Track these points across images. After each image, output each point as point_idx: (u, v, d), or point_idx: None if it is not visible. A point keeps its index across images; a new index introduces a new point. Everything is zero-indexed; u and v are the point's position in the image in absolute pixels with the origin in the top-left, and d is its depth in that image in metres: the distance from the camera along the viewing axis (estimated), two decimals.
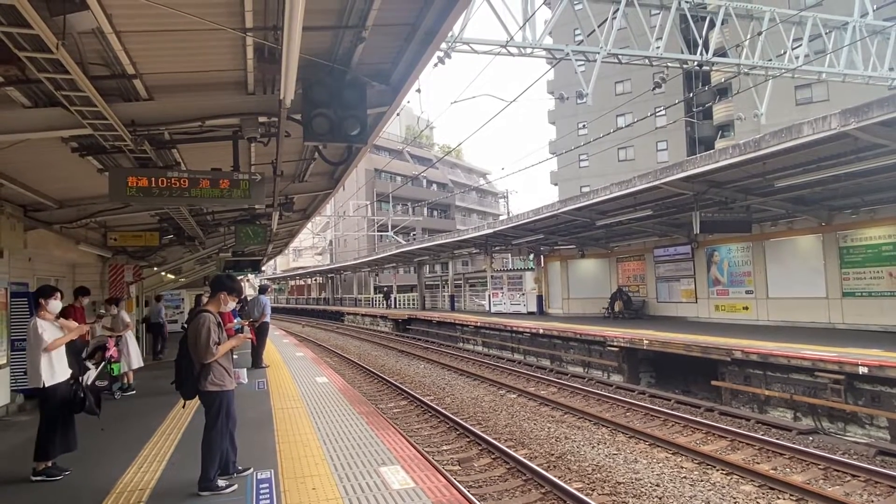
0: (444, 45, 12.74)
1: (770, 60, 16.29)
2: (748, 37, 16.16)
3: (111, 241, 11.34)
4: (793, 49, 16.48)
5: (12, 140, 5.19)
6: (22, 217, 7.87)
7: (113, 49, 4.24)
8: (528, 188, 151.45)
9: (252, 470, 5.12)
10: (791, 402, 9.81)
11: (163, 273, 17.20)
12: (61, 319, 5.76)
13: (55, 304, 5.57)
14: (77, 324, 6.31)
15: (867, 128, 8.75)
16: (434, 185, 66.10)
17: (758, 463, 7.54)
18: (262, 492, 4.64)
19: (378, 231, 49.49)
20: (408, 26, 4.92)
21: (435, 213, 64.88)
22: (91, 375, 8.87)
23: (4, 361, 7.89)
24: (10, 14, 3.12)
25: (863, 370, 8.60)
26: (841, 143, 9.70)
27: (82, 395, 5.36)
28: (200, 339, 4.55)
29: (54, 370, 5.25)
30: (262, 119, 5.80)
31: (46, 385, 5.16)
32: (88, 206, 8.84)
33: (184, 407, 5.77)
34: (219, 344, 4.66)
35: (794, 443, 8.23)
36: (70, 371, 5.47)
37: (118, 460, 5.63)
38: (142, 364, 10.33)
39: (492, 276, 28.77)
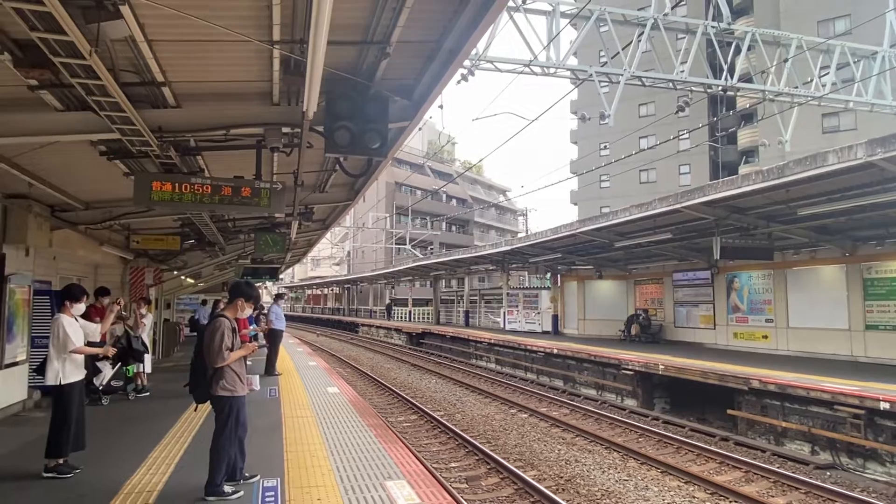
0: (467, 63, 12.85)
1: (796, 87, 16.15)
2: (774, 63, 16.06)
3: (133, 243, 11.55)
4: (820, 77, 16.31)
5: (44, 141, 5.35)
6: (49, 217, 8.05)
7: (144, 57, 4.35)
8: (548, 206, 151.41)
9: (259, 477, 5.13)
10: (809, 435, 9.57)
11: (182, 277, 17.47)
12: (80, 320, 5.86)
13: (80, 308, 5.70)
14: (98, 323, 6.43)
15: (894, 158, 8.62)
16: (454, 200, 66.28)
17: (772, 496, 7.35)
18: (267, 499, 4.64)
19: (396, 244, 49.69)
20: (431, 44, 4.98)
21: (453, 227, 64.99)
22: (106, 375, 9.04)
23: (24, 357, 8.02)
24: (47, 20, 3.21)
25: (884, 406, 8.37)
26: (867, 174, 9.55)
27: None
28: (213, 344, 4.61)
29: (71, 369, 5.34)
30: (285, 129, 5.88)
31: (62, 383, 5.25)
32: (114, 208, 9.02)
33: (195, 410, 5.84)
34: (231, 350, 4.71)
35: (810, 477, 8.03)
36: (85, 371, 5.55)
37: (128, 461, 5.68)
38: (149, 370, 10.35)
39: (508, 294, 28.65)
